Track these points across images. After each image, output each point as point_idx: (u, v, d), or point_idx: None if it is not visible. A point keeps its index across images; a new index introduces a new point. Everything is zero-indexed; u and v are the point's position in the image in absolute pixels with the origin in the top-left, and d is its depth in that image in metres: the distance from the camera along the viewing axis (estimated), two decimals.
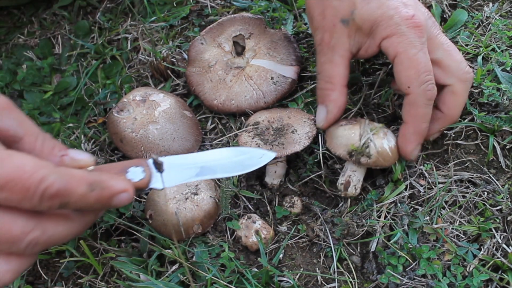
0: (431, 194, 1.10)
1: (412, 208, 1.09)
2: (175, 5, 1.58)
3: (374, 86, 1.25)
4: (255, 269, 1.06)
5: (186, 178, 0.86)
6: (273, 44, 1.30)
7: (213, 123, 1.31)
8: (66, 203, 0.69)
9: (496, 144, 1.15)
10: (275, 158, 1.03)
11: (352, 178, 1.09)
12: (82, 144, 1.27)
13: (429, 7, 1.39)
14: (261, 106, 1.25)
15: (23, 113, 0.78)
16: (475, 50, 1.28)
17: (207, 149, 1.25)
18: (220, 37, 1.35)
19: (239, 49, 1.33)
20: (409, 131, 1.06)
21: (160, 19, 1.53)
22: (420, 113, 1.04)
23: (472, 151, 1.17)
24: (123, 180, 0.76)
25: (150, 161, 0.82)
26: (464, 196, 1.09)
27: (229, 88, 1.26)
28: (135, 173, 0.80)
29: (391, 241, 1.04)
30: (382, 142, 1.05)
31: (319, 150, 1.16)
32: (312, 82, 1.31)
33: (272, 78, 1.26)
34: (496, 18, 1.33)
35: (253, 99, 1.25)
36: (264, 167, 1.20)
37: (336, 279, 1.04)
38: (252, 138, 1.15)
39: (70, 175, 0.69)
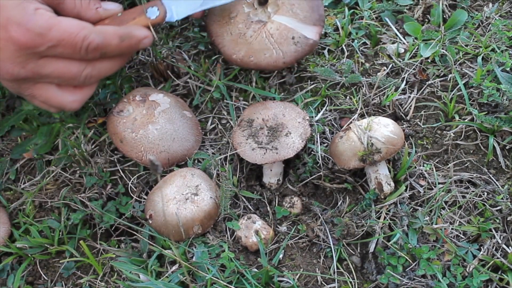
0: (431, 195, 1.10)
1: (412, 209, 1.09)
2: None
3: (374, 86, 1.25)
4: (255, 269, 1.06)
5: (193, 8, 1.11)
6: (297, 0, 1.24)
7: (213, 123, 1.30)
8: (105, 53, 0.98)
9: (496, 144, 1.15)
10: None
11: (380, 177, 1.10)
12: (82, 145, 1.27)
13: (429, 7, 1.39)
14: (280, 66, 1.22)
15: None
16: (475, 51, 1.28)
17: (207, 150, 1.25)
18: None
19: (262, 0, 1.26)
20: None
21: None
22: None
23: (472, 151, 1.17)
24: (144, 29, 1.04)
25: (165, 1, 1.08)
26: (464, 197, 1.09)
27: (249, 44, 1.22)
28: (152, 12, 1.07)
29: (391, 242, 1.04)
30: (382, 132, 1.05)
31: (317, 152, 1.16)
32: (312, 82, 1.31)
33: (293, 38, 1.21)
34: (496, 19, 1.33)
35: (272, 58, 1.21)
36: (261, 167, 1.20)
37: (336, 280, 1.04)
38: (246, 139, 1.15)
39: (105, 32, 0.97)
